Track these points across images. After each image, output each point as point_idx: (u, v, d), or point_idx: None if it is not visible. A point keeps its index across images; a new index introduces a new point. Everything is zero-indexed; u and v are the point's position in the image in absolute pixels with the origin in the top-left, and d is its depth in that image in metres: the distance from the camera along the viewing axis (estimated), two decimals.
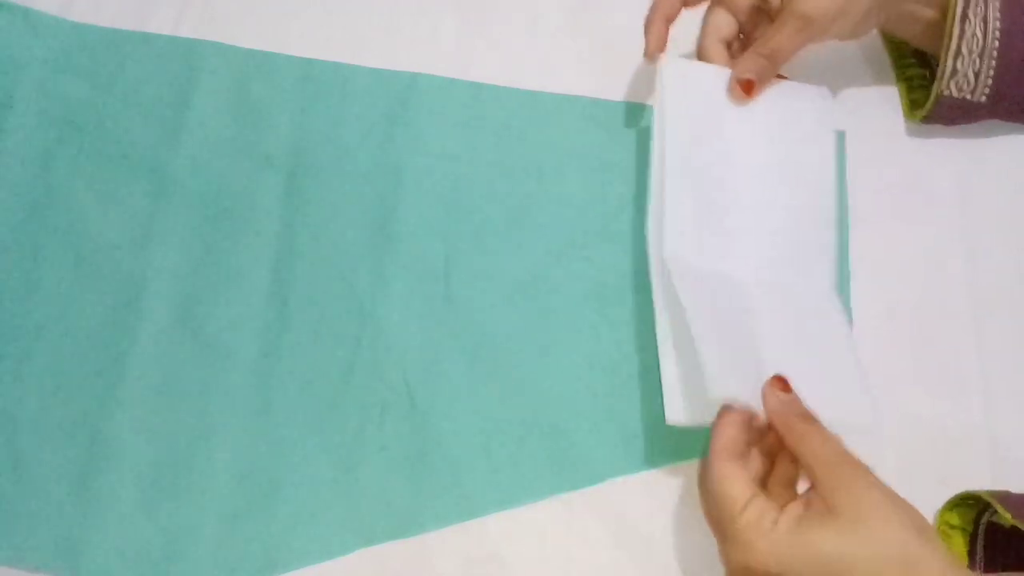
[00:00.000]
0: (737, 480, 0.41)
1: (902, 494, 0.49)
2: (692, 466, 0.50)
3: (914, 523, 0.39)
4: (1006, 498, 0.46)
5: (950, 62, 0.52)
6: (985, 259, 0.55)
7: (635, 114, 0.59)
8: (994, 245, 0.55)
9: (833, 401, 0.45)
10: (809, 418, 0.42)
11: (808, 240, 0.52)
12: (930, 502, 0.49)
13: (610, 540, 0.49)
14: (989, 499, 0.46)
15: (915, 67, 0.57)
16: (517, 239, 0.55)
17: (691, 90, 0.53)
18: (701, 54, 0.54)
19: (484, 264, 0.55)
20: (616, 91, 0.59)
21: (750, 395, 0.44)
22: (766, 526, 0.39)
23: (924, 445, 0.51)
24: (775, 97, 0.54)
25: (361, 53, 0.59)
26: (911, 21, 0.54)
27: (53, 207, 0.55)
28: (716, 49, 0.54)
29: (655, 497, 0.50)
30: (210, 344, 0.53)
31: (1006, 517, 0.45)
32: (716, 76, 0.53)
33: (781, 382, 0.44)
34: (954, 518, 0.48)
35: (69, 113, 0.57)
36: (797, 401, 0.43)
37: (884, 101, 0.58)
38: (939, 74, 0.53)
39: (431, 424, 0.51)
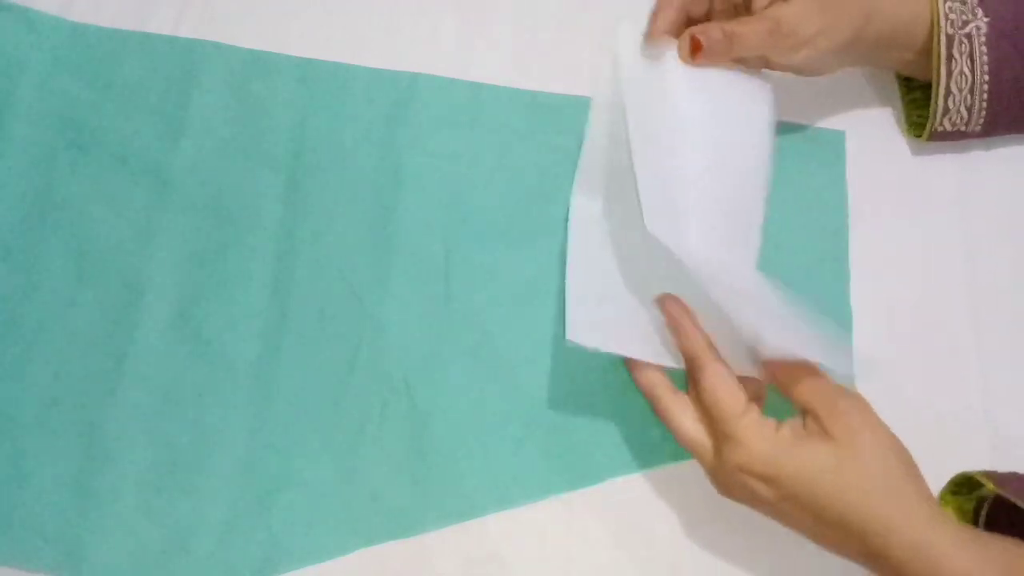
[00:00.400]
0: (734, 384, 0.43)
1: None
2: (692, 466, 0.50)
3: (902, 459, 0.41)
4: (992, 474, 0.47)
5: (941, 102, 0.52)
6: (985, 259, 0.55)
7: None
8: (994, 245, 0.55)
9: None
10: (803, 360, 0.43)
11: (738, 223, 0.51)
12: None
13: (610, 540, 0.49)
14: (974, 475, 0.47)
15: (919, 88, 0.57)
16: (517, 239, 0.55)
17: (645, 62, 0.52)
18: (656, 10, 0.52)
19: (484, 264, 0.55)
20: None
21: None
22: (767, 431, 0.42)
23: (924, 444, 0.51)
24: (719, 80, 0.52)
25: (361, 53, 0.59)
26: (893, 63, 0.54)
27: (53, 207, 0.55)
28: (670, 13, 0.51)
29: (655, 497, 0.50)
30: (210, 344, 0.53)
31: (989, 487, 0.46)
32: (669, 49, 0.52)
33: None
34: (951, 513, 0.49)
35: (69, 113, 0.57)
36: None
37: (884, 101, 0.58)
38: (931, 113, 0.53)
39: (431, 424, 0.51)
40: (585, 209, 0.53)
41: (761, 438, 0.41)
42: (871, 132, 0.58)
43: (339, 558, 0.49)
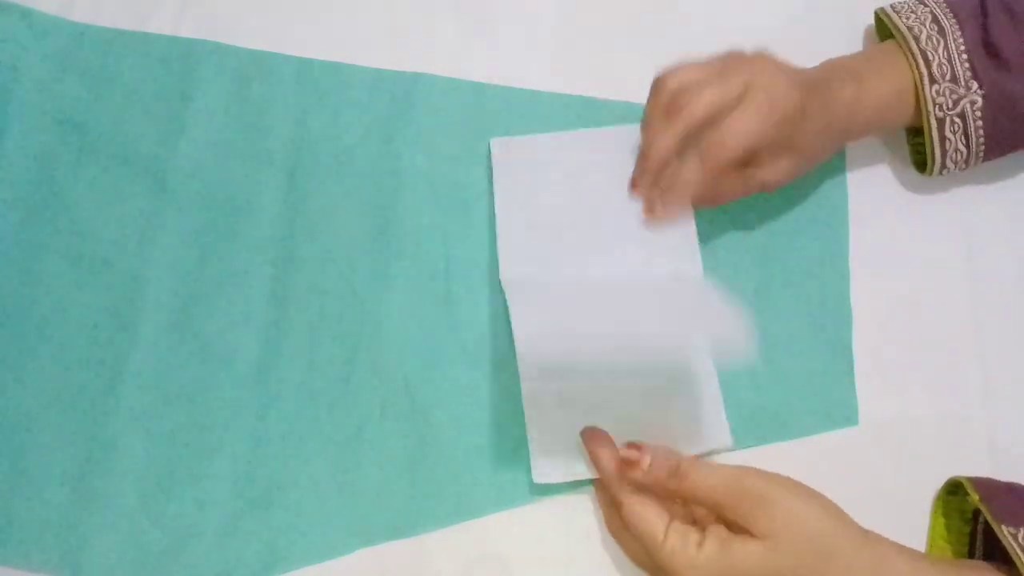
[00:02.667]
0: (648, 510, 0.43)
1: (901, 494, 0.49)
2: None
3: (826, 513, 0.41)
4: (979, 481, 0.47)
5: (938, 162, 0.52)
6: (985, 259, 0.55)
7: (634, 114, 0.58)
8: (994, 245, 0.55)
9: (693, 435, 0.49)
10: (685, 463, 0.43)
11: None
12: (929, 501, 0.50)
13: (610, 540, 0.49)
14: (962, 480, 0.47)
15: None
16: None
17: (520, 159, 0.56)
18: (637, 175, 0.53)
19: (484, 264, 0.55)
20: (615, 91, 0.59)
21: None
22: (691, 552, 0.41)
23: (924, 444, 0.51)
24: (590, 144, 0.55)
25: (361, 53, 0.59)
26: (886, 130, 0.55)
27: (53, 207, 0.55)
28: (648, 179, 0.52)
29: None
30: (210, 344, 0.53)
31: (974, 498, 0.45)
32: (544, 144, 0.56)
33: (634, 452, 0.44)
34: (952, 517, 0.49)
35: (69, 113, 0.57)
36: (662, 459, 0.43)
37: None
38: (928, 170, 0.53)
39: (431, 424, 0.51)
40: (514, 279, 0.53)
41: (689, 565, 0.41)
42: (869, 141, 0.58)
43: (339, 558, 0.49)
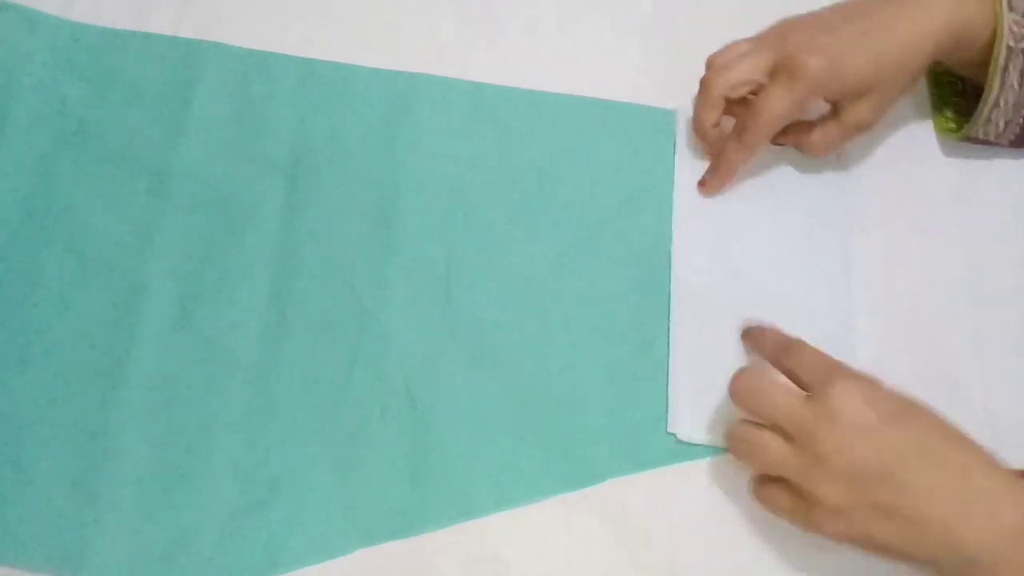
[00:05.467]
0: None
1: None
2: (692, 466, 0.51)
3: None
4: None
5: (986, 111, 0.52)
6: (985, 259, 0.55)
7: (635, 114, 0.59)
8: (994, 245, 0.55)
9: None
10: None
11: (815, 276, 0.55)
12: None
13: (610, 540, 0.49)
14: None
15: (947, 85, 0.57)
16: (517, 239, 0.55)
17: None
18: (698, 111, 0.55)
19: (484, 264, 0.55)
20: (615, 91, 0.59)
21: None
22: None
23: None
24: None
25: (361, 53, 0.59)
26: (951, 62, 0.54)
27: (53, 207, 0.55)
28: (712, 114, 0.54)
29: (655, 497, 0.50)
30: (210, 344, 0.53)
31: None
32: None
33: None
34: None
35: (69, 113, 0.57)
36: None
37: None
38: (973, 119, 0.53)
39: (431, 424, 0.51)
40: (684, 284, 0.54)
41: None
42: (872, 134, 0.58)
43: (339, 558, 0.49)
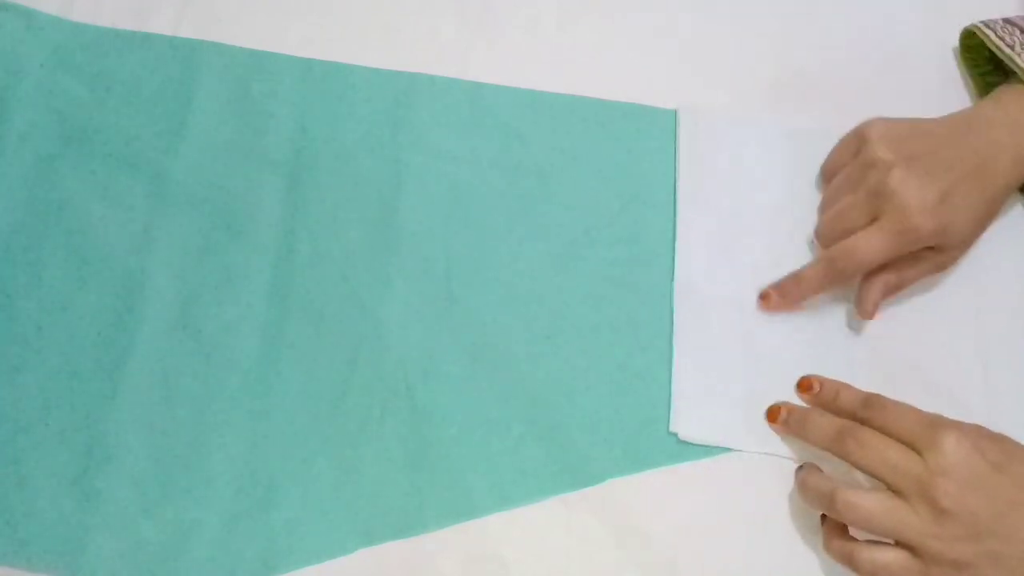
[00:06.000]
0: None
1: None
2: (693, 466, 0.51)
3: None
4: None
5: None
6: (985, 259, 0.55)
7: (635, 114, 0.59)
8: (994, 245, 0.55)
9: None
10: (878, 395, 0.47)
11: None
12: None
13: (610, 540, 0.49)
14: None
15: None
16: (518, 239, 0.55)
17: (705, 136, 0.57)
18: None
19: (485, 264, 0.55)
20: (615, 91, 0.59)
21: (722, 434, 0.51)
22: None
23: None
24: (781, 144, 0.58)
25: (361, 53, 0.59)
26: None
27: (53, 207, 0.55)
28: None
29: (655, 497, 0.50)
30: (210, 344, 0.53)
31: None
32: (730, 125, 0.57)
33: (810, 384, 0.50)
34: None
35: (69, 113, 0.57)
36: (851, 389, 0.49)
37: (887, 105, 0.58)
38: None
39: (431, 424, 0.51)
40: (686, 284, 0.54)
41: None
42: None
43: (339, 558, 0.49)
